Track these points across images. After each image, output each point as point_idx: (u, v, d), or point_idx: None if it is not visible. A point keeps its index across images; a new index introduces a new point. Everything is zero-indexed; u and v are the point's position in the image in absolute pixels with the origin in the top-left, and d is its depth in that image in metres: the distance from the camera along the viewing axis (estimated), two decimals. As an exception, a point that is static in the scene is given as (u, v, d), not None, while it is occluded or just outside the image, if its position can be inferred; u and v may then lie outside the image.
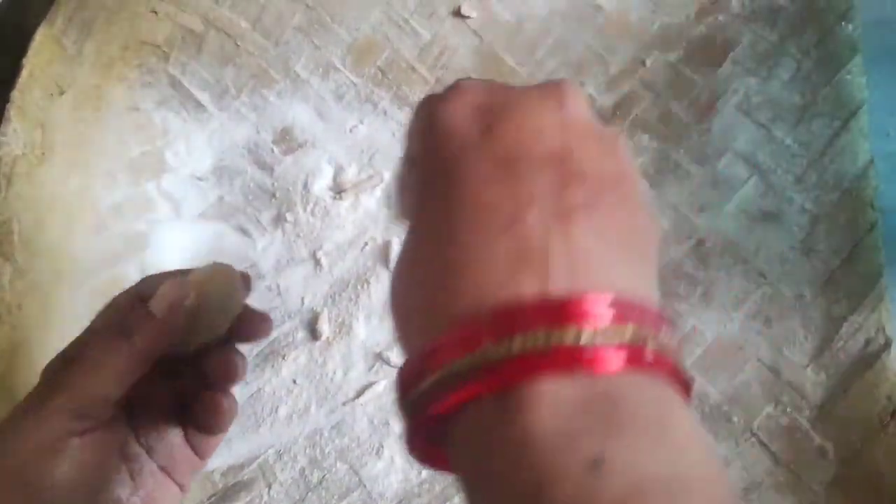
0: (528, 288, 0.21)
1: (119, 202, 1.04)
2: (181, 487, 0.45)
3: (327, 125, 1.07)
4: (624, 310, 0.22)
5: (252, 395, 0.94)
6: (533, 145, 0.23)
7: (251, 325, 0.45)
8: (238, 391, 0.95)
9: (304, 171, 1.06)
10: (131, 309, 0.43)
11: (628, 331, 0.21)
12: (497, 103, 0.25)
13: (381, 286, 0.98)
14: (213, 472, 0.94)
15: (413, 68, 1.07)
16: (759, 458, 0.85)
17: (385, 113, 1.06)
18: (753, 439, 0.86)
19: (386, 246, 1.00)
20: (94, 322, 0.45)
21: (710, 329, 0.90)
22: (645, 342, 0.22)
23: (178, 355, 0.43)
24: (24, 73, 0.90)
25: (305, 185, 1.05)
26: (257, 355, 0.97)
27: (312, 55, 1.10)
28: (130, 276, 1.01)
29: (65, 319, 0.97)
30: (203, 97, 1.09)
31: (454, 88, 0.26)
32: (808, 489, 0.83)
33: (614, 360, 0.21)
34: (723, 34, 0.99)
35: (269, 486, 0.91)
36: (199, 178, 1.07)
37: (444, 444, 0.23)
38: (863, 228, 0.89)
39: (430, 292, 0.23)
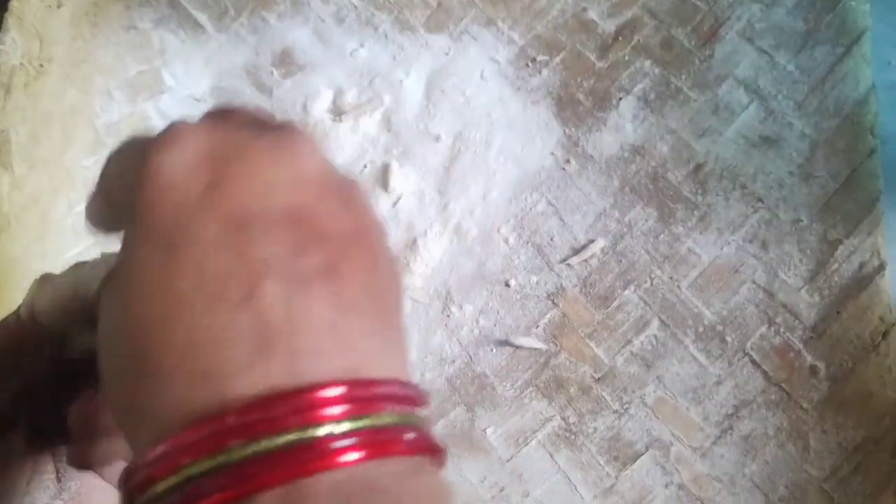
0: (275, 377, 0.19)
1: (116, 120, 1.03)
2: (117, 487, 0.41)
3: (327, 48, 1.07)
4: (372, 395, 0.20)
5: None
6: (265, 204, 0.21)
7: None
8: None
9: (303, 93, 1.05)
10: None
11: (388, 417, 0.20)
12: (223, 154, 0.21)
13: (379, 209, 0.98)
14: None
15: (415, -8, 1.06)
16: (752, 377, 0.86)
17: (386, 36, 1.05)
18: (746, 359, 0.87)
19: (385, 169, 1.00)
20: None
21: (706, 252, 0.90)
22: (403, 427, 0.20)
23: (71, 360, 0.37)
24: (22, -20, 0.89)
25: (304, 108, 1.04)
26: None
27: (313, -23, 1.09)
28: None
29: (63, 234, 0.97)
30: (202, 18, 1.08)
31: (171, 133, 0.22)
32: (799, 407, 0.84)
33: (385, 445, 0.19)
34: (728, -39, 0.99)
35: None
36: (197, 100, 1.06)
37: None
38: (862, 154, 0.89)
39: (155, 383, 0.20)
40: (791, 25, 0.95)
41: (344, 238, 0.21)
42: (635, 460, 0.87)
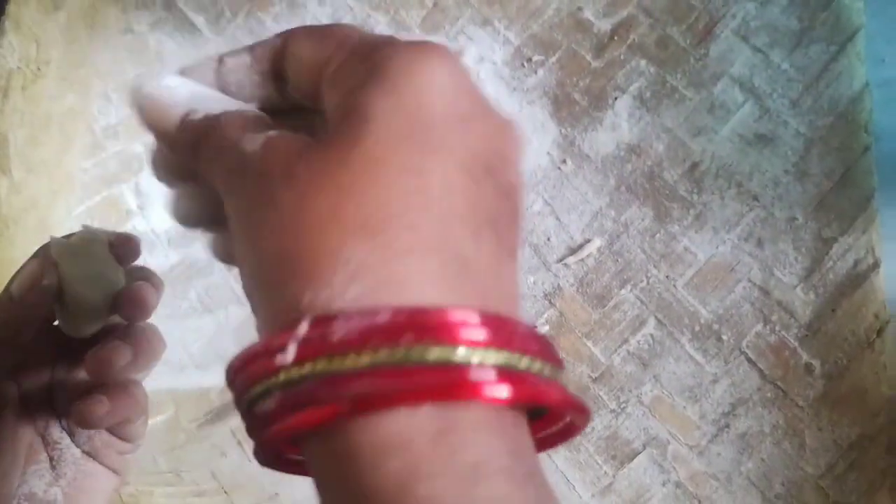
0: (444, 296, 0.19)
1: (114, 123, 1.04)
2: (116, 472, 0.41)
3: (324, 49, 1.07)
4: (525, 338, 0.20)
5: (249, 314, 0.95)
6: (492, 157, 0.21)
7: (130, 302, 0.38)
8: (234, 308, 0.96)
9: (300, 95, 1.06)
10: (31, 278, 0.37)
11: (530, 362, 0.19)
12: (478, 92, 0.22)
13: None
14: (209, 390, 0.95)
15: (410, -8, 1.06)
16: (748, 375, 0.87)
17: (382, 37, 1.06)
18: (742, 357, 0.87)
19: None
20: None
21: (702, 250, 0.91)
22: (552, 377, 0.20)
23: (73, 338, 0.38)
24: (19, -16, 0.89)
25: (301, 110, 1.05)
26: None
27: (309, -21, 1.09)
28: (126, 197, 1.01)
29: (61, 237, 0.97)
30: (198, 20, 1.09)
31: (440, 50, 0.22)
32: (795, 405, 0.85)
33: (509, 390, 0.18)
34: (722, -41, 0.99)
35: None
36: (195, 102, 1.06)
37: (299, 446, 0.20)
38: (856, 152, 0.89)
39: (317, 252, 0.19)
40: (785, 24, 0.95)
41: (512, 191, 0.22)
42: (633, 459, 0.87)
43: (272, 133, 0.22)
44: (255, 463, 0.19)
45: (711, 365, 0.88)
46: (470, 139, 0.21)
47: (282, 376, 0.18)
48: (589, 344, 0.91)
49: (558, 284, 0.93)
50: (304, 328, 0.18)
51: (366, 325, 0.18)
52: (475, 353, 0.18)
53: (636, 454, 0.87)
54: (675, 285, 0.90)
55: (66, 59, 1.00)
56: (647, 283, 0.91)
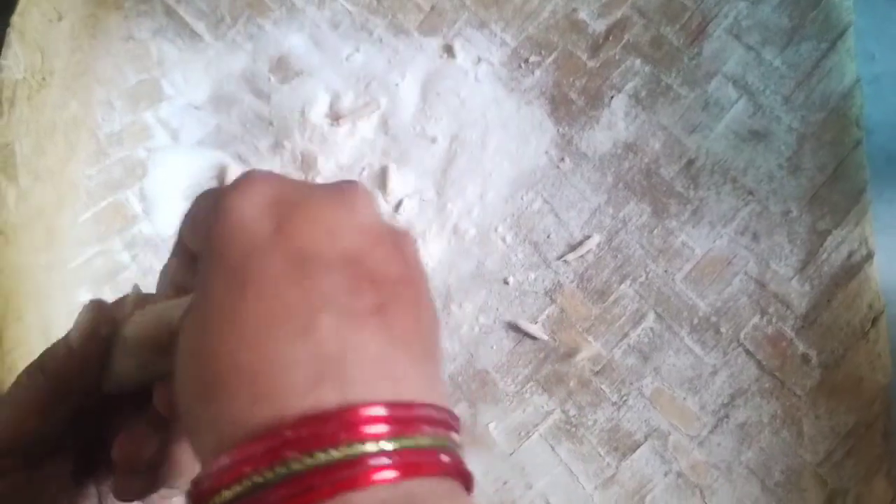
0: (327, 399, 0.21)
1: (118, 130, 1.05)
2: None
3: (323, 53, 1.08)
4: (412, 417, 0.22)
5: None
6: (324, 246, 0.23)
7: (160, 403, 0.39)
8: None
9: (300, 99, 1.07)
10: (89, 327, 0.39)
11: (425, 440, 0.22)
12: (288, 200, 0.24)
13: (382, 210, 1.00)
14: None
15: (408, -4, 1.08)
16: (746, 366, 0.89)
17: (381, 41, 1.07)
18: (740, 349, 0.89)
19: (383, 171, 1.02)
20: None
21: (699, 245, 0.93)
22: (438, 449, 0.23)
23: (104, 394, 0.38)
24: (23, -5, 0.91)
25: (302, 113, 1.06)
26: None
27: (307, -16, 1.11)
28: (131, 202, 1.03)
29: (68, 244, 0.98)
30: (199, 26, 1.10)
31: (243, 179, 0.25)
32: (792, 394, 0.87)
33: (422, 466, 0.22)
34: (714, -41, 1.01)
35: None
36: (197, 107, 1.08)
37: None
38: (848, 146, 0.91)
39: (223, 400, 0.22)
40: (776, 22, 0.97)
41: (394, 282, 0.24)
42: (635, 450, 0.89)
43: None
44: None
45: (710, 357, 0.89)
46: (281, 242, 0.23)
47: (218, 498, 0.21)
48: (590, 338, 0.93)
49: (559, 281, 0.95)
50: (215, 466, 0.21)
51: (256, 451, 0.21)
52: (341, 448, 0.20)
53: (638, 445, 0.89)
54: (673, 279, 0.92)
55: (69, 68, 1.01)
56: (646, 277, 0.93)
